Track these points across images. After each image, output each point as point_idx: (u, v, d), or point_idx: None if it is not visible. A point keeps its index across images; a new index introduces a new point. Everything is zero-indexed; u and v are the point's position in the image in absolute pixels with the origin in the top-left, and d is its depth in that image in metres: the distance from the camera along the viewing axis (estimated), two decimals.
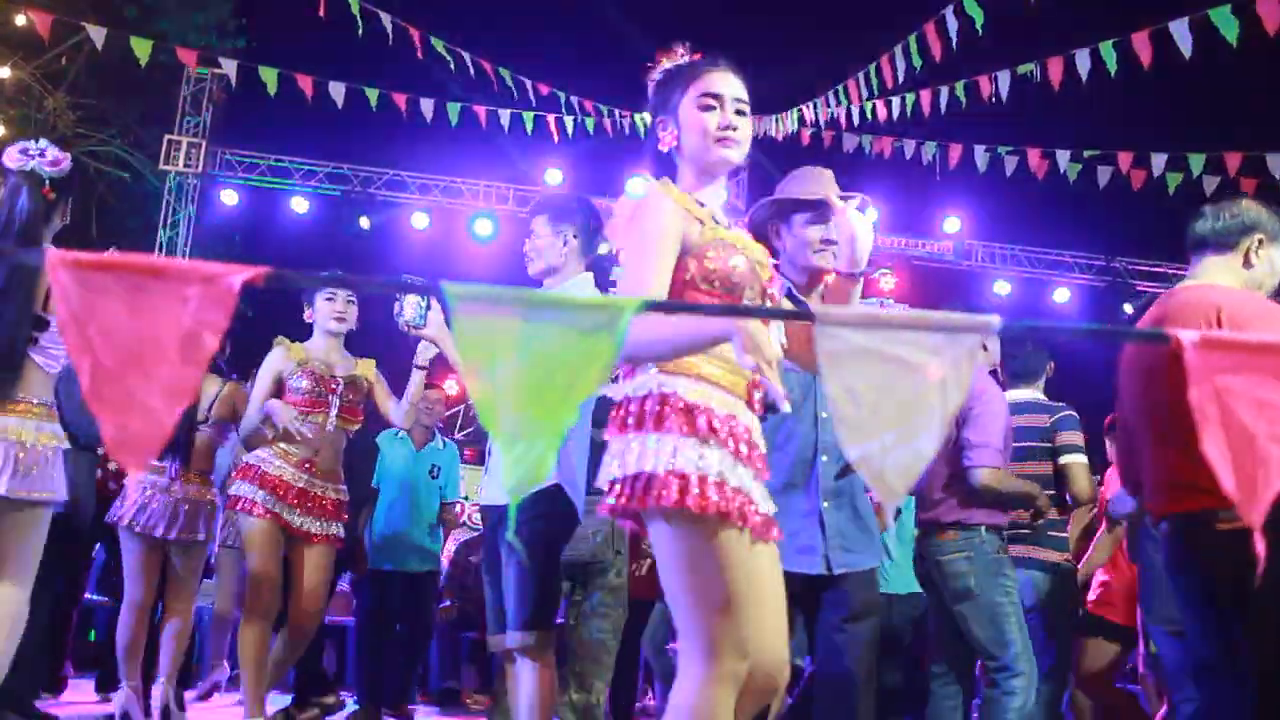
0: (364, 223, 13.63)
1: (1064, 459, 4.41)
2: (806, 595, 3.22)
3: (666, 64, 2.48)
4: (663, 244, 2.25)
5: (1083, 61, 8.22)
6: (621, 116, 12.62)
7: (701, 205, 2.41)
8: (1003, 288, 14.41)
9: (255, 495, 4.37)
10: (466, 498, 8.27)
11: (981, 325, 1.39)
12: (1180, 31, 7.04)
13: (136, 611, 4.97)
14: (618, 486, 2.19)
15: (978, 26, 7.30)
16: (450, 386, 15.00)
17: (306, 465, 4.48)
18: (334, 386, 4.54)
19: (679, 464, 2.10)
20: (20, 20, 10.87)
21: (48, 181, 3.48)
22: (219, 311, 1.31)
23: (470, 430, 12.96)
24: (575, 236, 3.68)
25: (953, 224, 14.41)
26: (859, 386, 1.37)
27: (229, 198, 13.77)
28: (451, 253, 14.17)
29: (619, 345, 1.35)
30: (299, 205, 13.74)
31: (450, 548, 7.96)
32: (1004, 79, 9.43)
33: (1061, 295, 14.64)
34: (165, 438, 1.31)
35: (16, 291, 3.31)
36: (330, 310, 4.60)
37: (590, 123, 12.53)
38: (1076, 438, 4.46)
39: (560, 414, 1.34)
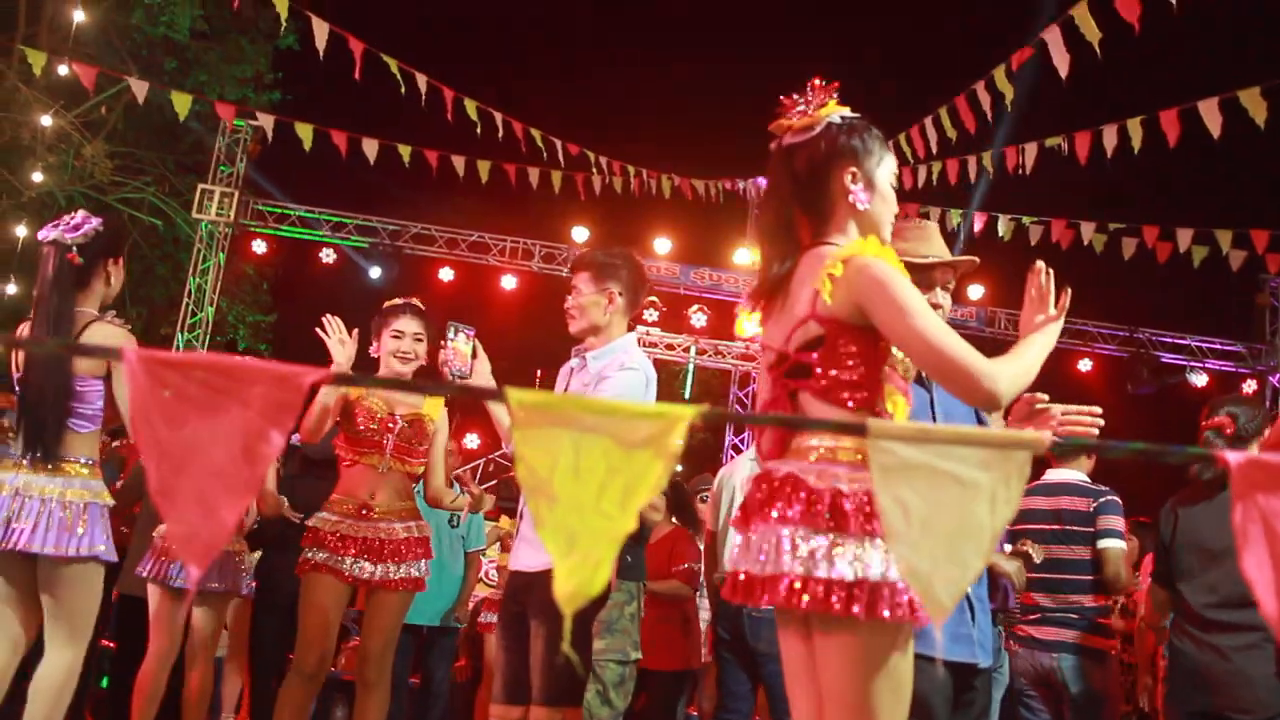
0: (374, 274, 13.74)
1: (1102, 544, 4.36)
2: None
3: (839, 110, 2.28)
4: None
5: (1110, 138, 8.27)
6: (649, 178, 12.75)
7: None
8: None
9: (310, 555, 4.08)
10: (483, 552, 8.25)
11: (1033, 443, 1.41)
12: (1209, 111, 7.07)
13: (158, 662, 4.97)
14: (821, 587, 1.97)
15: (1007, 102, 7.35)
16: (472, 440, 15.14)
17: (364, 511, 4.13)
18: (391, 426, 4.21)
19: (891, 574, 1.97)
20: (63, 70, 11.09)
21: (74, 248, 3.57)
22: (287, 411, 1.34)
23: (491, 484, 12.97)
24: (620, 295, 3.53)
25: (976, 291, 14.45)
26: (910, 501, 1.39)
27: (258, 247, 13.96)
28: (478, 307, 14.29)
29: (675, 453, 1.37)
30: (326, 256, 13.93)
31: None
32: (1030, 151, 9.51)
33: (1085, 365, 14.61)
34: (229, 536, 1.33)
35: (55, 374, 3.43)
36: (394, 348, 4.27)
37: (618, 183, 12.67)
38: (1117, 523, 4.39)
39: (617, 523, 1.35)
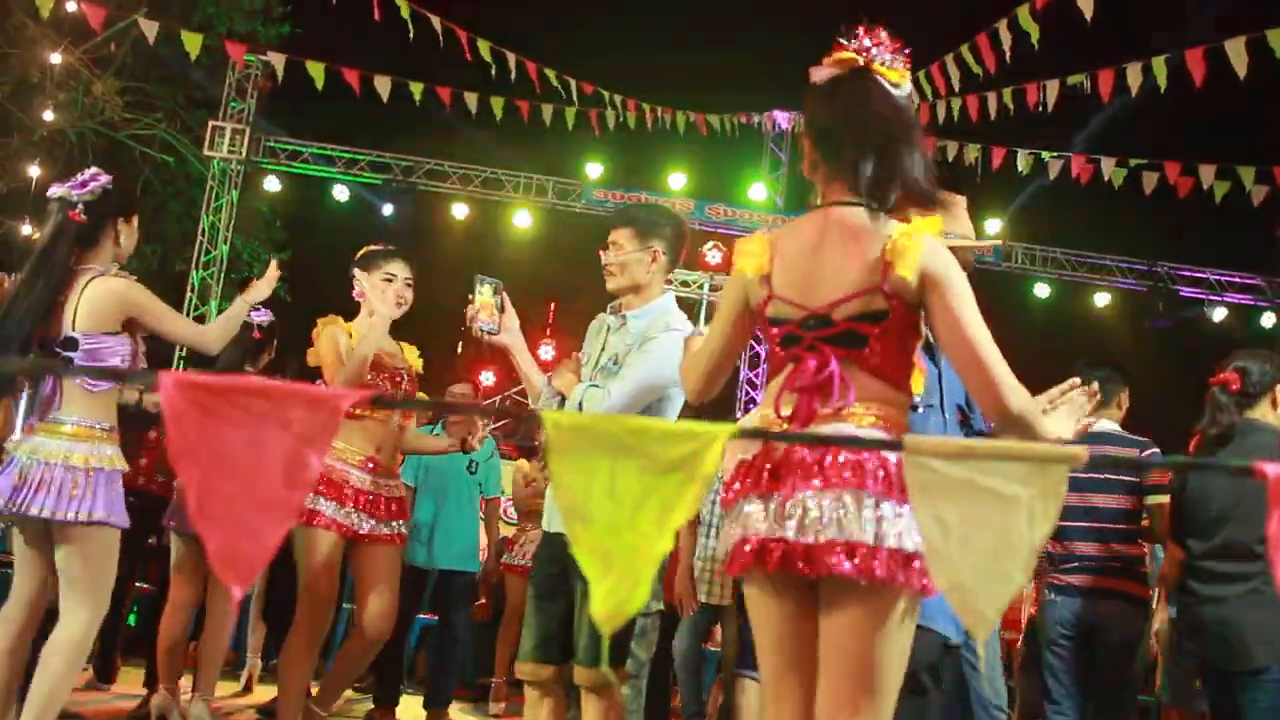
0: (388, 210, 13.68)
1: (1152, 499, 4.34)
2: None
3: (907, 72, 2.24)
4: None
5: (1134, 76, 8.14)
6: (664, 114, 12.62)
7: None
8: (1043, 290, 14.30)
9: (317, 505, 3.94)
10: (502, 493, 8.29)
11: (1070, 457, 1.40)
12: (1236, 51, 6.94)
13: (180, 612, 5.03)
14: (870, 553, 1.94)
15: (1033, 40, 7.23)
16: (487, 378, 15.18)
17: (370, 465, 4.06)
18: (399, 379, 4.15)
19: (916, 539, 1.95)
20: (70, 6, 10.96)
21: (78, 205, 3.52)
22: (325, 434, 1.34)
23: (505, 423, 13.02)
24: (664, 254, 3.42)
25: (994, 225, 14.31)
26: (950, 518, 1.39)
27: (271, 184, 13.89)
28: (491, 243, 14.23)
29: (708, 474, 1.37)
30: (340, 193, 13.86)
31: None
32: (1052, 88, 9.36)
33: (1102, 299, 14.52)
34: (269, 557, 1.34)
35: (43, 288, 3.43)
36: (391, 292, 4.15)
37: (631, 119, 12.54)
38: (1165, 476, 4.38)
39: (654, 542, 1.36)
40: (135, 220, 3.74)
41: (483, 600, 7.83)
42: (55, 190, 3.59)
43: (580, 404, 3.21)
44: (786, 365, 2.18)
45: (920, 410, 2.70)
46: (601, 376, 3.30)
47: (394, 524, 4.13)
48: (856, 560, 1.94)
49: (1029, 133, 11.94)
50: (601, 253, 3.48)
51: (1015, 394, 2.04)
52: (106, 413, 3.50)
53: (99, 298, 3.47)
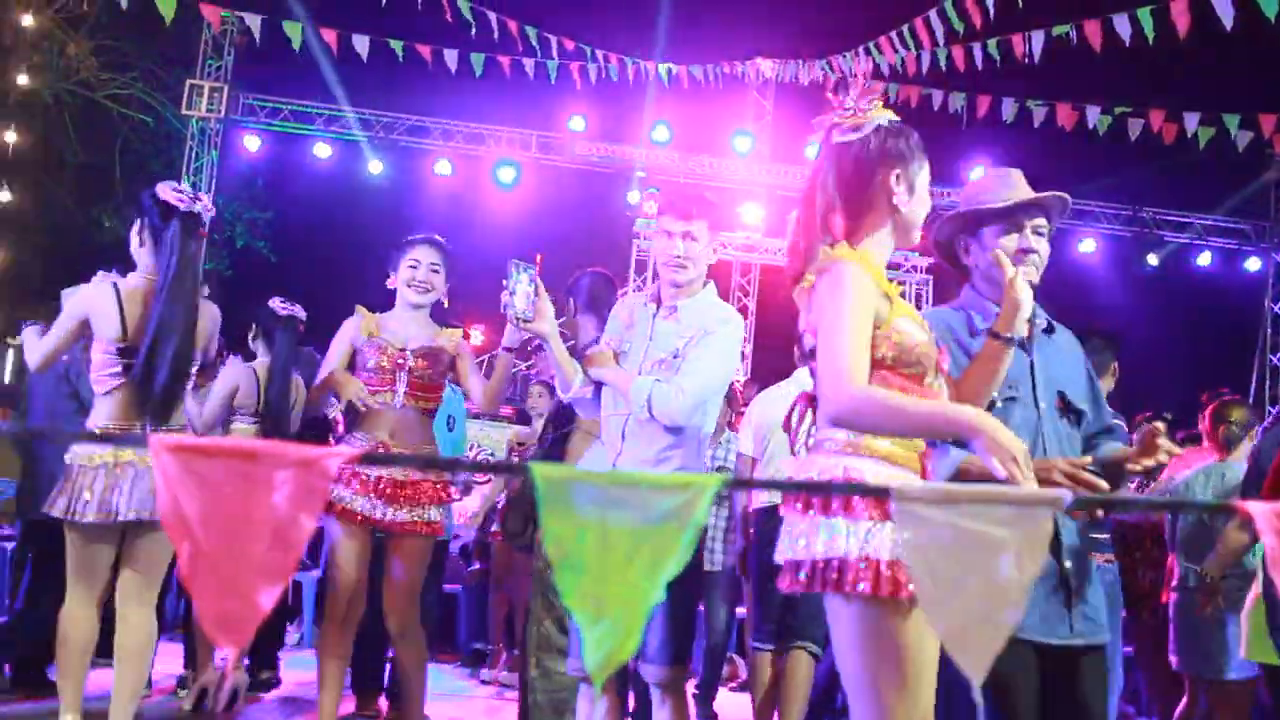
0: (374, 168, 13.58)
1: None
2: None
3: (887, 113, 2.38)
4: (862, 320, 2.18)
5: (1121, 26, 8.09)
6: (646, 65, 12.51)
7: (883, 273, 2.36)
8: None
9: (337, 495, 3.90)
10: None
11: (1052, 500, 1.42)
12: (1222, 3, 6.90)
13: None
14: (803, 569, 2.16)
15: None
16: (475, 336, 15.12)
17: (381, 451, 4.00)
18: (401, 361, 4.06)
19: (871, 550, 2.07)
20: None
21: (205, 225, 3.76)
22: (316, 496, 1.34)
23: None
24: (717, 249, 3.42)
25: (978, 174, 14.28)
26: (938, 563, 1.41)
27: (251, 143, 13.74)
28: (475, 199, 14.15)
29: (700, 523, 1.38)
30: (321, 151, 13.72)
31: (470, 505, 8.06)
32: (1038, 38, 9.30)
33: (1088, 246, 14.53)
34: (259, 619, 1.35)
35: (183, 329, 3.66)
36: (409, 278, 4.12)
37: (614, 71, 12.43)
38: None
39: (645, 593, 1.37)
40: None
41: (476, 566, 7.89)
42: (185, 203, 3.70)
43: (649, 399, 3.14)
44: None
45: (999, 404, 2.66)
46: (660, 370, 3.22)
47: (423, 510, 4.01)
48: (804, 575, 2.18)
49: (1014, 81, 11.88)
50: (667, 240, 3.32)
51: (847, 378, 2.12)
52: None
53: (209, 324, 3.83)
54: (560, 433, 3.98)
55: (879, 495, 1.42)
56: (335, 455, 1.36)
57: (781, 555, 2.22)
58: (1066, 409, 2.76)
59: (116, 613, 3.63)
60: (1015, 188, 2.81)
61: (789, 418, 2.38)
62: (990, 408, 2.47)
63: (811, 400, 2.32)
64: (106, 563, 3.62)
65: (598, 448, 3.44)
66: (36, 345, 3.75)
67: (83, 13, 13.41)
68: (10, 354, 14.48)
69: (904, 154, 2.36)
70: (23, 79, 13.22)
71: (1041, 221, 2.80)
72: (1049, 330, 2.86)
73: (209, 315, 3.82)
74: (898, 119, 2.39)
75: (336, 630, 3.97)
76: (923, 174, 2.40)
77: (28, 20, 12.75)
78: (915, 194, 2.38)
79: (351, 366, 4.15)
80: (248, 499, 1.34)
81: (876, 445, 2.19)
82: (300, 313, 4.83)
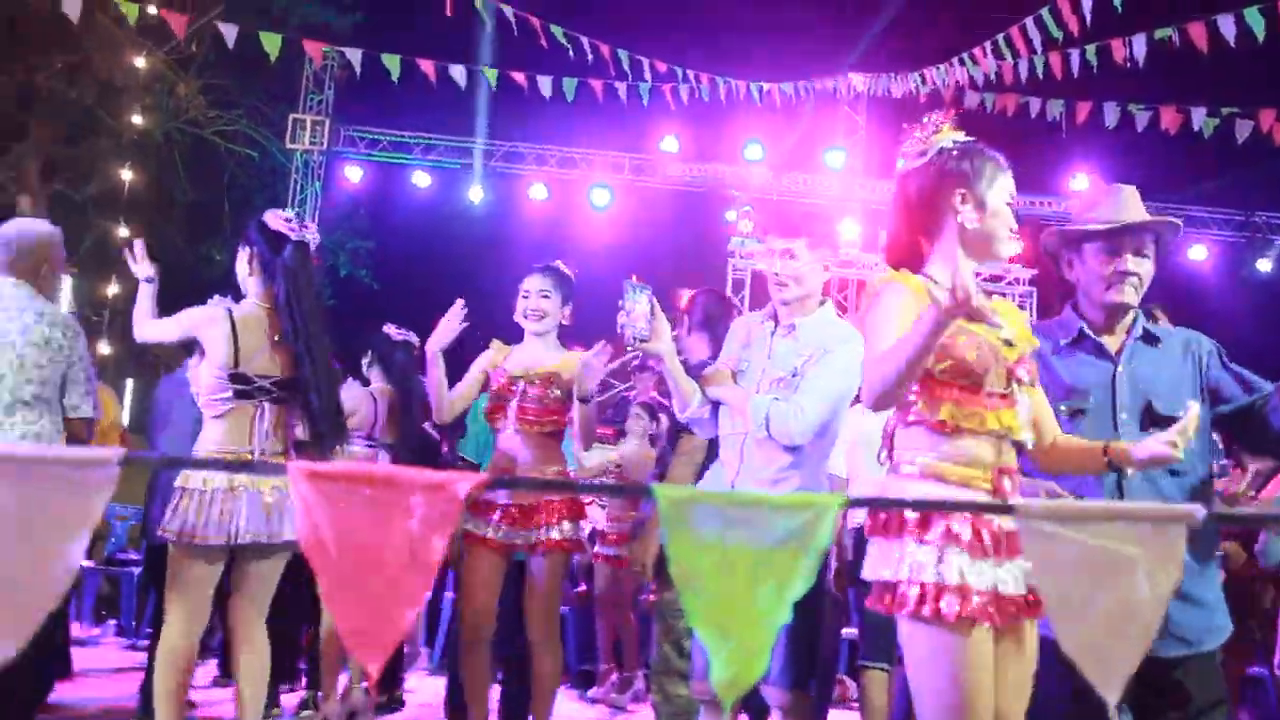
0: (475, 195, 13.83)
1: None
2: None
3: (953, 135, 2.45)
4: (902, 321, 2.23)
5: (1226, 27, 7.88)
6: (736, 85, 12.53)
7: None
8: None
9: (462, 522, 4.00)
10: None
11: (1185, 516, 1.39)
12: None
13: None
14: (877, 589, 2.29)
15: (1116, 3, 7.03)
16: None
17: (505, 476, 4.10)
18: (513, 389, 4.13)
19: (916, 573, 2.16)
20: (152, 10, 11.18)
21: (316, 251, 3.82)
22: (447, 519, 1.39)
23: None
24: (829, 265, 3.42)
25: (1080, 182, 13.99)
26: (1067, 581, 1.39)
27: (352, 173, 14.12)
28: (570, 223, 14.30)
29: (823, 544, 1.39)
30: (420, 179, 14.05)
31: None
32: (1139, 42, 9.10)
33: (1198, 253, 14.13)
34: (399, 639, 1.39)
35: (323, 353, 3.72)
36: (523, 308, 4.22)
37: (705, 92, 12.48)
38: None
39: (770, 614, 1.38)
40: None
41: (583, 586, 7.94)
42: (297, 232, 3.77)
43: (767, 418, 3.14)
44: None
45: (1066, 417, 2.64)
46: (778, 389, 3.22)
47: (547, 529, 4.07)
48: (876, 596, 2.35)
49: (1115, 86, 11.61)
50: (769, 259, 3.35)
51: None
52: None
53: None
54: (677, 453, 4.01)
55: (1004, 512, 1.41)
56: (464, 479, 1.40)
57: (865, 575, 2.33)
58: (1155, 420, 2.69)
59: (235, 636, 3.69)
60: (1123, 207, 2.78)
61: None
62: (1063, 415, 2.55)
63: (895, 415, 2.36)
64: (210, 588, 3.60)
65: (716, 467, 3.44)
66: (147, 322, 3.88)
67: (191, 53, 13.91)
68: (130, 384, 15.00)
69: (968, 173, 2.39)
70: (137, 119, 13.77)
71: (1146, 243, 2.77)
72: (1149, 340, 2.80)
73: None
74: (966, 139, 2.44)
75: (468, 652, 4.08)
76: (996, 188, 2.41)
77: (140, 62, 13.27)
78: (987, 209, 2.39)
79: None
80: (383, 523, 1.38)
81: (946, 469, 2.23)
82: (414, 338, 4.96)
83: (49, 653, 4.77)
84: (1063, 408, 2.65)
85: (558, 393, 4.13)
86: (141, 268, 4.00)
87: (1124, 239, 2.74)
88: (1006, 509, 1.38)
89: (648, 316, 3.28)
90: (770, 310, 3.41)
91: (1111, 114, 11.94)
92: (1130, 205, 2.78)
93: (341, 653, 5.02)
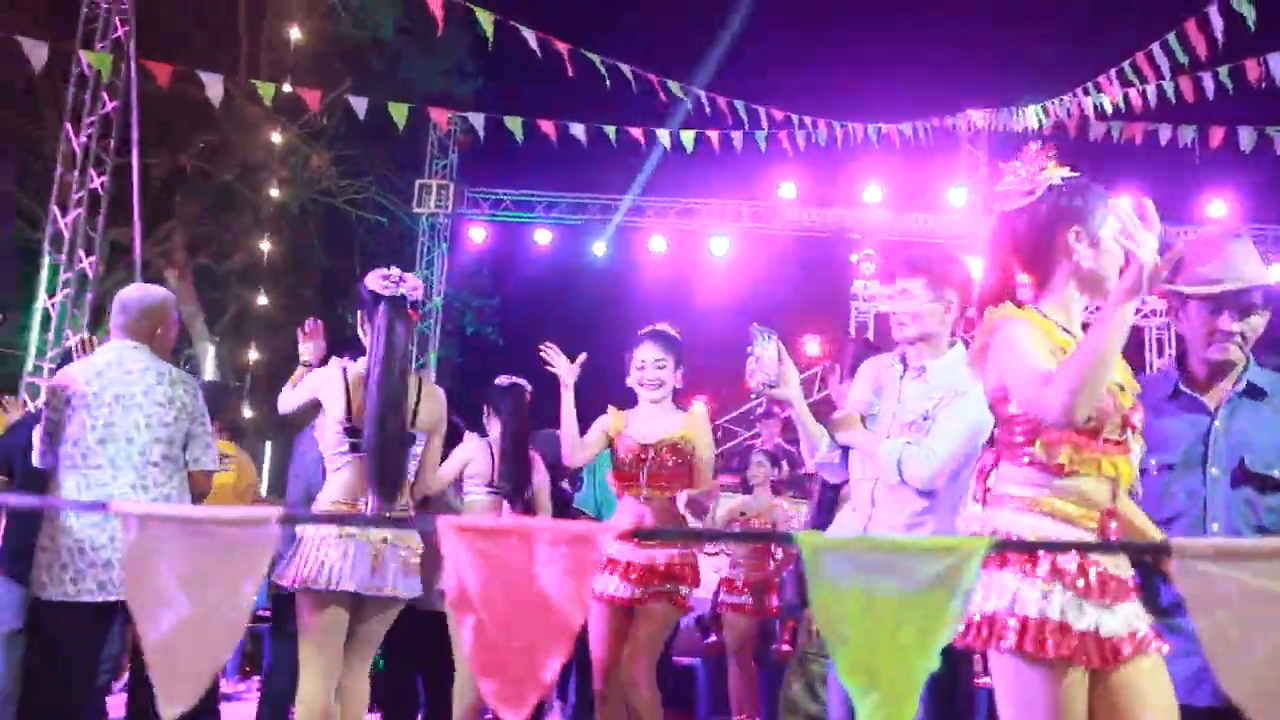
0: (598, 250, 14.05)
1: None
2: None
3: (1060, 171, 2.37)
4: (1039, 350, 2.17)
5: None
6: (855, 127, 12.50)
7: (1064, 332, 2.30)
8: (1277, 272, 13.40)
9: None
10: None
11: None
12: None
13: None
14: (971, 622, 2.16)
15: (1249, 21, 6.81)
16: (697, 407, 15.25)
17: (632, 538, 4.12)
18: (644, 458, 4.22)
19: (1019, 607, 2.08)
20: (286, 88, 11.71)
21: (414, 306, 3.79)
22: (586, 568, 1.41)
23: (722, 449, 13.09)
24: (956, 304, 3.25)
25: (1217, 208, 13.51)
26: (1227, 622, 1.34)
27: (476, 234, 14.50)
28: (690, 272, 14.40)
29: (968, 588, 1.37)
30: (542, 236, 14.34)
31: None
32: (1275, 61, 8.79)
33: None
34: (542, 691, 1.41)
35: (395, 407, 3.69)
36: (638, 378, 4.28)
37: (822, 136, 12.47)
38: None
39: (915, 661, 1.36)
40: None
41: (713, 638, 7.89)
42: (389, 289, 3.77)
43: (899, 463, 3.08)
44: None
45: (1154, 471, 2.55)
46: (909, 433, 3.15)
47: (662, 585, 4.17)
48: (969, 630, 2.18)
49: (1249, 109, 11.23)
50: (888, 298, 3.39)
51: (1052, 385, 2.08)
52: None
53: (437, 405, 3.85)
54: (829, 500, 3.98)
55: (1161, 552, 1.37)
56: (605, 531, 1.42)
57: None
58: (1248, 477, 2.56)
59: (339, 686, 3.68)
60: (1229, 265, 2.63)
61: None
62: (1142, 474, 2.36)
63: (997, 455, 2.28)
64: (341, 632, 3.62)
65: (847, 512, 3.40)
66: (285, 393, 4.06)
67: (323, 126, 14.51)
68: (269, 446, 15.55)
69: (1081, 210, 2.32)
70: (274, 192, 14.40)
71: (1254, 301, 2.64)
72: (1254, 393, 2.65)
73: (434, 396, 3.87)
74: (1073, 175, 2.36)
75: (603, 703, 4.13)
76: (1106, 225, 2.32)
77: (276, 137, 13.90)
78: (1100, 247, 2.32)
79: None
80: (526, 576, 1.41)
81: (1056, 505, 2.16)
82: (523, 383, 5.04)
83: (206, 711, 4.90)
84: (1153, 461, 2.56)
85: (684, 458, 4.21)
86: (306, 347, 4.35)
87: (1226, 298, 2.63)
88: (1164, 549, 1.33)
89: (776, 362, 3.23)
90: (900, 352, 3.34)
91: (1247, 137, 11.54)
92: (1236, 262, 2.63)
93: (477, 705, 5.07)
